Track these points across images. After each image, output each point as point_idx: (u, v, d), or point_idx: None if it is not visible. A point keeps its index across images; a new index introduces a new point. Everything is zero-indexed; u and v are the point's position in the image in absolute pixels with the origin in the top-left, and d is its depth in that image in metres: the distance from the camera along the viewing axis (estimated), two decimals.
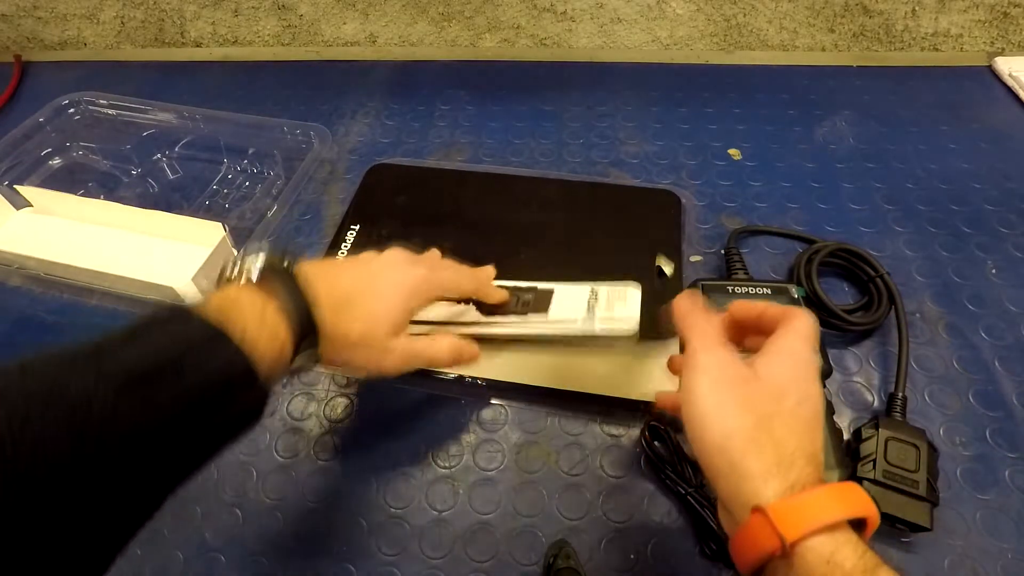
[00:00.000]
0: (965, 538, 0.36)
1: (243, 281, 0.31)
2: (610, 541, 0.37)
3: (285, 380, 0.34)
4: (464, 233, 0.52)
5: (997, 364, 0.43)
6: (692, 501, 0.36)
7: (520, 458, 0.40)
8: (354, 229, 0.52)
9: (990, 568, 0.35)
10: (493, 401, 0.43)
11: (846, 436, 0.39)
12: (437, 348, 0.37)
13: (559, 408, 0.42)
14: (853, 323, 0.44)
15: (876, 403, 0.42)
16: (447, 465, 0.40)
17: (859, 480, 0.36)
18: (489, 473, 0.40)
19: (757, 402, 0.27)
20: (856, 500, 0.25)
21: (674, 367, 0.35)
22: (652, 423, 0.39)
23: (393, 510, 0.39)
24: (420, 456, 0.41)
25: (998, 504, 0.37)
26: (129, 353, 0.24)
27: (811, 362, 0.29)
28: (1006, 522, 0.36)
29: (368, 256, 0.38)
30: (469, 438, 0.41)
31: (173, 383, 0.24)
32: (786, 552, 0.24)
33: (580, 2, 0.70)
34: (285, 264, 0.33)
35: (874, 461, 0.36)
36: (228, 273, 0.32)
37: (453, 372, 0.42)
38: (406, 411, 0.43)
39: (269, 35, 0.75)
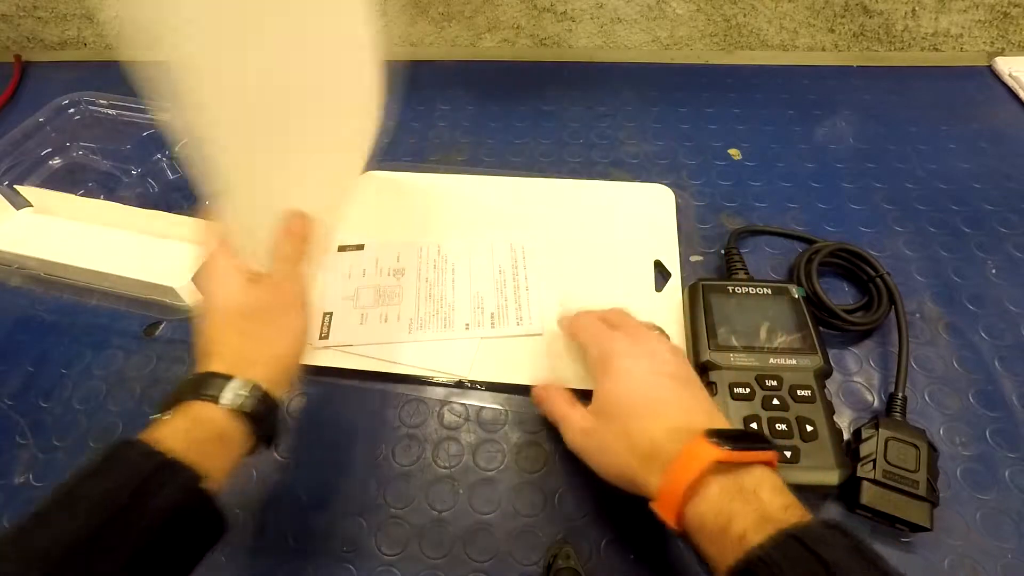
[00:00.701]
0: (965, 538, 0.36)
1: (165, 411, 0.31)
2: (610, 541, 0.37)
3: (272, 445, 0.34)
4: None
5: (997, 364, 0.43)
6: None
7: (520, 458, 0.40)
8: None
9: (990, 568, 0.35)
10: (492, 403, 0.43)
11: (846, 436, 0.39)
12: (284, 245, 0.37)
13: None
14: (853, 323, 0.44)
15: (876, 403, 0.42)
16: (447, 465, 0.40)
17: (859, 480, 0.36)
18: (489, 473, 0.40)
19: (605, 425, 0.34)
20: (694, 456, 0.29)
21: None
22: None
23: (393, 510, 0.39)
24: (420, 456, 0.41)
25: (998, 504, 0.37)
26: (60, 522, 0.24)
27: (620, 367, 0.35)
28: (1006, 522, 0.36)
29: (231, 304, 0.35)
30: (469, 438, 0.41)
31: (109, 550, 0.24)
32: (680, 526, 0.29)
33: (580, 2, 0.70)
34: (177, 390, 0.32)
35: (874, 461, 0.36)
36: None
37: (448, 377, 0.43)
38: (406, 411, 0.43)
39: None
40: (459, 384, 0.43)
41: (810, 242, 0.50)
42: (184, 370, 0.46)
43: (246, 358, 0.33)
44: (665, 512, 0.29)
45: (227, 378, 0.31)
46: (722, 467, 0.28)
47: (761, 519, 0.26)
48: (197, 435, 0.29)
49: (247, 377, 0.32)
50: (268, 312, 0.35)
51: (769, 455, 0.29)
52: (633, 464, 0.31)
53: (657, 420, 0.32)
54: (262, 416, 0.32)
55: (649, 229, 0.51)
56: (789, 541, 0.25)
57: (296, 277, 0.37)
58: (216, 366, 0.32)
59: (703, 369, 0.40)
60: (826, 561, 0.23)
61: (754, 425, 0.38)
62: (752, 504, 0.27)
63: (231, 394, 0.31)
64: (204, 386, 0.31)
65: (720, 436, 0.29)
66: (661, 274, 0.48)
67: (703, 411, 0.33)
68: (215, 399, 0.30)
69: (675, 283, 0.47)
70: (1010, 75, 0.65)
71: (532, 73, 0.71)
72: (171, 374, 0.46)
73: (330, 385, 0.44)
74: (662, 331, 0.41)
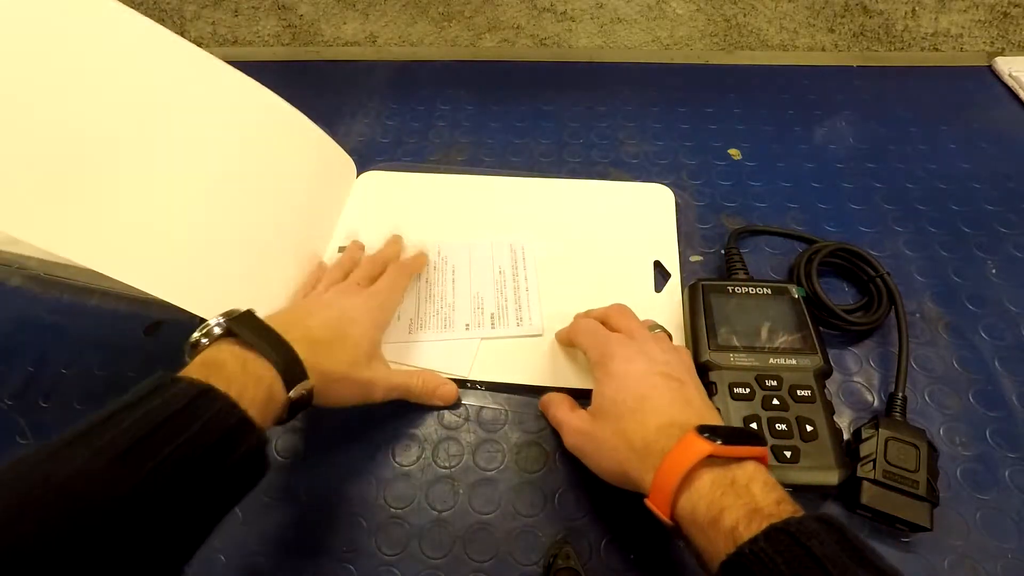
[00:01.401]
0: (965, 538, 0.36)
1: (210, 341, 0.32)
2: (610, 541, 0.37)
3: (284, 422, 0.34)
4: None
5: (997, 364, 0.43)
6: None
7: (520, 458, 0.40)
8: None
9: (990, 568, 0.35)
10: (492, 403, 0.43)
11: (846, 436, 0.39)
12: (415, 380, 0.41)
13: None
14: (853, 323, 0.44)
15: (876, 403, 0.42)
16: (447, 465, 0.40)
17: (859, 480, 0.36)
18: (489, 473, 0.40)
19: (601, 426, 0.35)
20: (686, 451, 0.30)
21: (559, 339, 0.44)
22: None
23: (393, 510, 0.39)
24: (420, 456, 0.41)
25: (998, 504, 0.37)
26: (116, 429, 0.24)
27: (610, 371, 0.36)
28: (1006, 522, 0.36)
29: (323, 299, 0.42)
30: (469, 438, 0.41)
31: (168, 444, 0.25)
32: (673, 521, 0.29)
33: (580, 2, 0.70)
34: (252, 315, 0.34)
35: (874, 461, 0.36)
36: (197, 337, 0.32)
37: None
38: (406, 411, 0.43)
39: (269, 35, 0.75)
40: (459, 384, 0.43)
41: (810, 242, 0.50)
42: None
43: (320, 356, 0.34)
44: (658, 506, 0.30)
45: (303, 373, 0.33)
46: (714, 461, 0.29)
47: (752, 512, 0.26)
48: (255, 394, 0.30)
49: (310, 378, 0.33)
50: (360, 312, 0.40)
51: (760, 451, 0.30)
52: (628, 462, 0.32)
53: (651, 418, 0.33)
54: (298, 407, 0.33)
55: (648, 229, 0.51)
56: (780, 535, 0.25)
57: (391, 293, 0.43)
58: (300, 348, 0.33)
59: (703, 369, 0.40)
60: (817, 556, 0.24)
61: (754, 425, 0.38)
62: (743, 498, 0.27)
63: (297, 391, 0.32)
64: (287, 364, 0.32)
65: (712, 432, 0.29)
66: (661, 274, 0.48)
67: (696, 409, 0.34)
68: (286, 385, 0.31)
69: (675, 283, 0.47)
70: (1010, 75, 0.65)
71: (532, 73, 0.71)
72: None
73: None
74: (664, 329, 0.41)
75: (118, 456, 0.23)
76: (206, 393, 0.27)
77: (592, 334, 0.39)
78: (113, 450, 0.23)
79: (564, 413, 0.38)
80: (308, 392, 0.33)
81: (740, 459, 0.29)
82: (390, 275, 0.44)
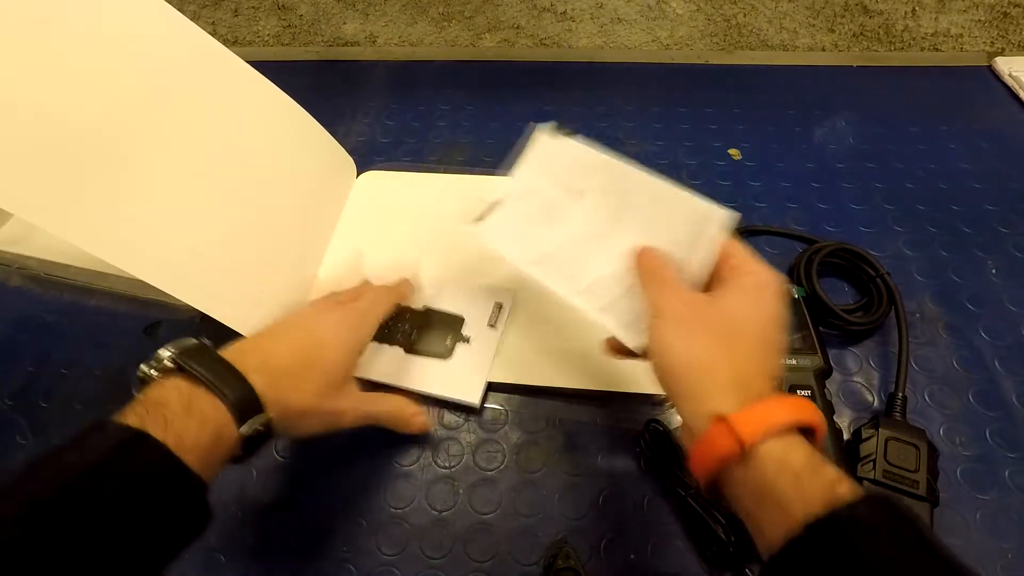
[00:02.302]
0: (965, 538, 0.36)
1: (160, 374, 0.30)
2: (610, 541, 0.37)
3: (243, 461, 0.31)
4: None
5: (997, 364, 0.43)
6: (692, 503, 0.36)
7: (520, 458, 0.40)
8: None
9: (990, 568, 0.35)
10: (492, 403, 0.43)
11: (846, 436, 0.39)
12: (387, 408, 0.39)
13: (559, 407, 0.42)
14: (853, 323, 0.44)
15: (876, 403, 0.42)
16: (447, 465, 0.40)
17: (859, 480, 0.36)
18: (489, 473, 0.40)
19: (716, 326, 0.30)
20: (805, 408, 0.27)
21: (611, 348, 0.37)
22: (652, 425, 0.39)
23: (393, 510, 0.39)
24: (420, 456, 0.41)
25: (998, 504, 0.37)
26: (30, 486, 0.23)
27: (770, 303, 0.31)
28: (1006, 522, 0.36)
29: (296, 315, 0.37)
30: (469, 438, 0.41)
31: (92, 495, 0.23)
32: (744, 453, 0.26)
33: (580, 2, 0.71)
34: (205, 346, 0.31)
35: (874, 461, 0.36)
36: (144, 370, 0.30)
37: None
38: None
39: (269, 35, 0.75)
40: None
41: (810, 242, 0.50)
42: None
43: (283, 387, 0.32)
44: (726, 436, 0.26)
45: (258, 407, 0.30)
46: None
47: (852, 481, 0.25)
48: (199, 437, 0.28)
49: (268, 412, 0.31)
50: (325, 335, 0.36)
51: (807, 419, 0.28)
52: (720, 376, 0.28)
53: (763, 358, 0.30)
54: (255, 443, 0.31)
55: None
56: (885, 504, 0.23)
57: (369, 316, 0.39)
58: (257, 379, 0.31)
59: None
60: (924, 536, 0.22)
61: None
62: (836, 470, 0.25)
63: (249, 427, 0.30)
64: (239, 400, 0.29)
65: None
66: None
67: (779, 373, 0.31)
68: (238, 420, 0.29)
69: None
70: (1010, 75, 0.65)
71: (532, 73, 0.71)
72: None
73: None
74: None
75: (26, 519, 0.22)
76: (137, 439, 0.25)
77: (744, 253, 0.34)
78: (21, 513, 0.22)
79: (667, 282, 0.33)
80: (264, 427, 0.31)
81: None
82: (372, 294, 0.41)
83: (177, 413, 0.27)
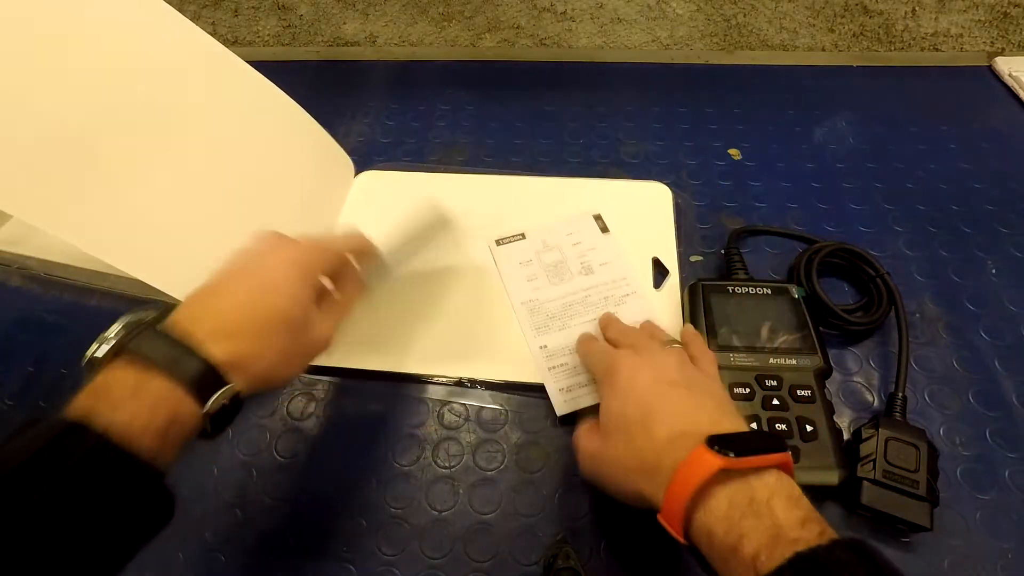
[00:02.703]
0: (965, 538, 0.36)
1: (109, 357, 0.28)
2: (610, 541, 0.37)
3: (214, 437, 0.30)
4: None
5: (997, 364, 0.43)
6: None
7: (520, 458, 0.40)
8: None
9: (990, 568, 0.35)
10: (492, 403, 0.43)
11: (846, 436, 0.39)
12: (348, 301, 0.37)
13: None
14: (853, 323, 0.44)
15: (876, 403, 0.42)
16: (447, 465, 0.40)
17: (859, 480, 0.36)
18: (489, 473, 0.40)
19: (618, 448, 0.32)
20: (699, 461, 0.28)
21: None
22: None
23: (393, 510, 0.39)
24: (420, 456, 0.41)
25: (998, 504, 0.37)
26: None
27: (613, 386, 0.34)
28: (1006, 522, 0.36)
29: (240, 259, 0.33)
30: (469, 438, 0.41)
31: (20, 498, 0.22)
32: (727, 467, 0.26)
33: (580, 2, 0.71)
34: (154, 319, 0.29)
35: (874, 461, 0.36)
36: (90, 353, 0.29)
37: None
38: (406, 411, 0.43)
39: (269, 35, 0.75)
40: (459, 384, 0.43)
41: (810, 242, 0.50)
42: None
43: (243, 350, 0.29)
44: (671, 525, 0.28)
45: (219, 380, 0.28)
46: (731, 474, 0.27)
47: (775, 538, 0.24)
48: (150, 422, 0.26)
49: (234, 382, 0.29)
50: (305, 321, 0.33)
51: (780, 458, 0.28)
52: (640, 479, 0.30)
53: (659, 429, 0.30)
54: (224, 417, 0.29)
55: (646, 226, 0.51)
56: (807, 567, 0.23)
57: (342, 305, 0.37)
58: (216, 348, 0.28)
59: None
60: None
61: (754, 425, 0.38)
62: (765, 520, 0.25)
63: (215, 403, 0.28)
64: (196, 376, 0.27)
65: (724, 442, 0.27)
66: (659, 271, 0.48)
67: (709, 415, 0.31)
68: (198, 398, 0.27)
69: (673, 280, 0.47)
70: (1010, 75, 0.65)
71: (532, 73, 0.71)
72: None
73: (331, 385, 0.44)
74: (678, 342, 0.39)
75: None
76: (72, 430, 0.24)
77: (596, 352, 0.39)
78: None
79: (579, 436, 0.35)
80: (232, 400, 0.29)
81: (759, 468, 0.27)
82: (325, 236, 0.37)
83: (124, 398, 0.26)
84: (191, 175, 0.41)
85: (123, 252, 0.36)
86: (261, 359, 0.30)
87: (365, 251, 0.39)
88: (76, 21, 0.37)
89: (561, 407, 0.41)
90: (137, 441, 0.25)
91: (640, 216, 0.52)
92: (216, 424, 0.29)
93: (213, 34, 0.44)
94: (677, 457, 0.28)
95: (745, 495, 0.26)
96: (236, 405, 0.30)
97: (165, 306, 0.31)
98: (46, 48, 0.35)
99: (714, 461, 0.27)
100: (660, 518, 0.28)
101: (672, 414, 0.31)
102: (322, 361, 0.44)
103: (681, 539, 0.27)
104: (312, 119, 0.52)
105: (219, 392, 0.28)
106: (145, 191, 0.38)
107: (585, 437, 0.35)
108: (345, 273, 0.38)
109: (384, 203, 0.55)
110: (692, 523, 0.27)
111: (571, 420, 0.41)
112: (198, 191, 0.42)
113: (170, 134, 0.40)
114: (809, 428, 0.37)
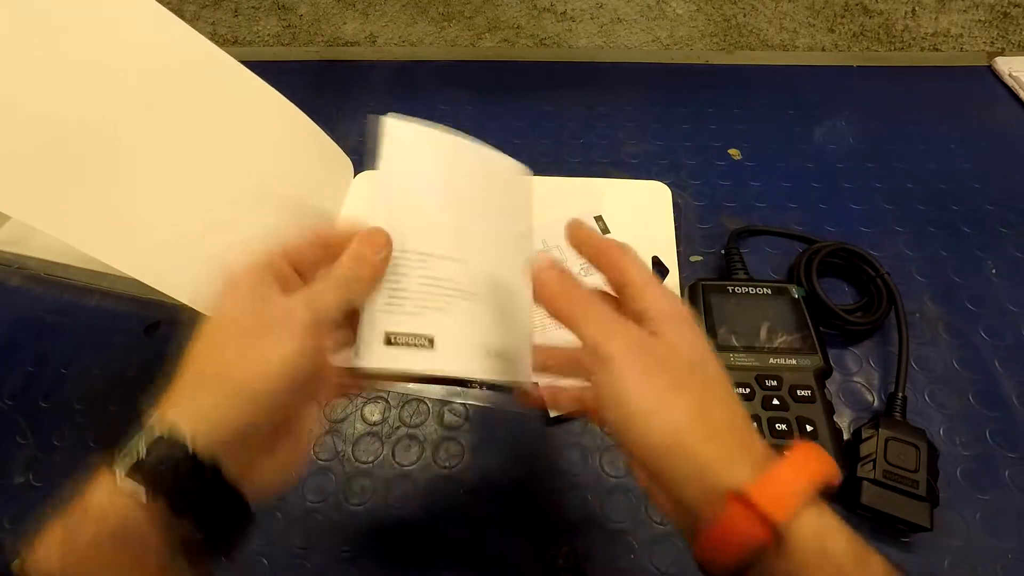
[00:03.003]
0: (965, 538, 0.36)
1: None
2: (610, 541, 0.37)
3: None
4: None
5: (997, 364, 0.43)
6: None
7: (520, 458, 0.40)
8: None
9: (990, 568, 0.35)
10: (492, 403, 0.43)
11: (846, 436, 0.39)
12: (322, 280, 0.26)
13: None
14: (853, 323, 0.44)
15: (876, 403, 0.42)
16: (447, 465, 0.40)
17: (859, 480, 0.36)
18: (489, 473, 0.40)
19: (688, 382, 0.23)
20: (821, 460, 0.23)
21: (549, 363, 0.30)
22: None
23: (393, 510, 0.39)
24: (420, 456, 0.41)
25: (998, 504, 0.37)
26: None
27: (701, 335, 0.25)
28: (1006, 522, 0.36)
29: (219, 335, 0.24)
30: (469, 438, 0.41)
31: None
32: (779, 537, 0.20)
33: (580, 2, 0.71)
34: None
35: (874, 461, 0.36)
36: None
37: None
38: (406, 411, 0.43)
39: (269, 35, 0.75)
40: (460, 384, 0.43)
41: (810, 242, 0.50)
42: None
43: (188, 386, 0.23)
44: (750, 519, 0.21)
45: (142, 427, 0.21)
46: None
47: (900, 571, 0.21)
48: (77, 542, 0.20)
49: (169, 418, 0.22)
50: (255, 324, 0.24)
51: (829, 475, 0.22)
52: (722, 438, 0.23)
53: (736, 398, 0.24)
54: (174, 478, 0.20)
55: (646, 225, 0.52)
56: None
57: (334, 298, 0.25)
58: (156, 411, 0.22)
59: None
60: None
61: (754, 425, 0.38)
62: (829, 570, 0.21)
63: (134, 450, 0.21)
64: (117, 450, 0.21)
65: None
66: (659, 270, 0.48)
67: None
68: (110, 466, 0.21)
69: (673, 279, 0.47)
70: (1010, 75, 0.65)
71: (532, 73, 0.71)
72: (170, 375, 0.45)
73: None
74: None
75: None
76: None
77: (635, 262, 0.27)
78: None
79: (612, 322, 0.25)
80: (174, 440, 0.21)
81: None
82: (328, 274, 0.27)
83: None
84: (188, 176, 0.42)
85: (122, 253, 0.36)
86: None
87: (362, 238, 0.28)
88: (73, 24, 0.37)
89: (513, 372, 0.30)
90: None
91: (640, 216, 0.52)
92: (178, 502, 0.21)
93: (213, 34, 0.44)
94: (766, 456, 0.23)
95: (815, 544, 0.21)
96: (186, 460, 0.21)
97: None
98: (42, 50, 0.35)
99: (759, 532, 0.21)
100: (754, 503, 0.21)
101: (732, 392, 0.25)
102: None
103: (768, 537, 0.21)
104: (309, 120, 0.52)
105: (135, 439, 0.21)
106: (143, 192, 0.39)
107: (631, 336, 0.24)
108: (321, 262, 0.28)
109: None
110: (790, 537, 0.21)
111: (559, 421, 0.41)
112: (195, 191, 0.42)
113: (167, 136, 0.41)
114: (809, 428, 0.37)
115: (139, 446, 0.21)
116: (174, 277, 0.38)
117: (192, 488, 0.21)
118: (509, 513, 0.38)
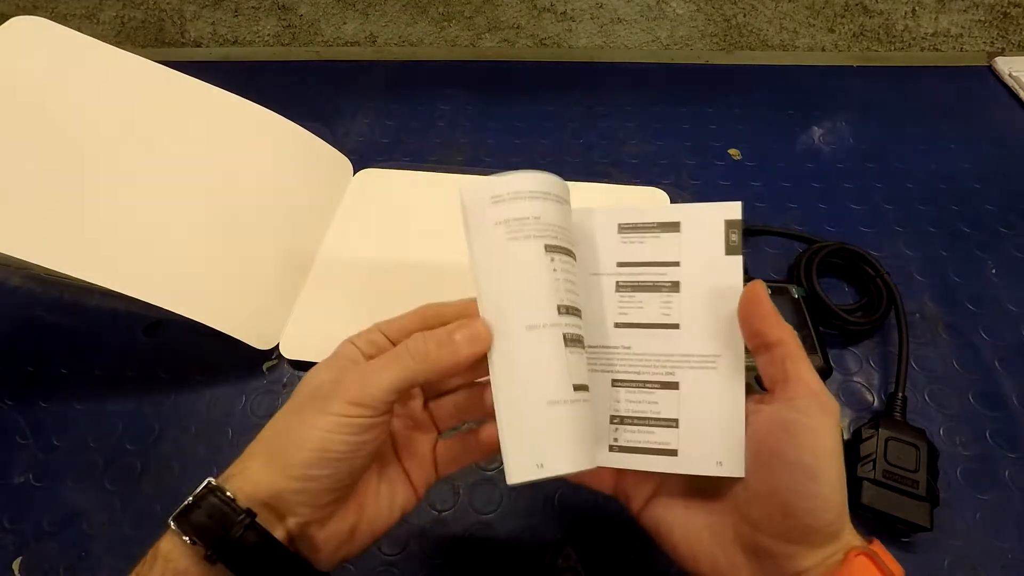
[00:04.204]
0: (965, 538, 0.36)
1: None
2: (610, 541, 0.37)
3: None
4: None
5: (997, 364, 0.43)
6: None
7: None
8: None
9: (990, 568, 0.35)
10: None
11: (846, 436, 0.39)
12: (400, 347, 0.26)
13: None
14: (853, 323, 0.44)
15: (876, 403, 0.42)
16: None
17: (859, 480, 0.36)
18: (489, 473, 0.40)
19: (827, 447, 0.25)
20: (890, 561, 0.25)
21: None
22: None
23: None
24: None
25: (998, 504, 0.37)
26: None
27: (831, 420, 0.26)
28: (1006, 522, 0.36)
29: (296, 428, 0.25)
30: None
31: None
32: None
33: (580, 2, 0.70)
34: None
35: (874, 461, 0.36)
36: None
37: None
38: None
39: (269, 35, 0.75)
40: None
41: (810, 242, 0.50)
42: (182, 372, 0.46)
43: (256, 443, 0.25)
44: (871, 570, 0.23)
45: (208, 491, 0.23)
46: None
47: None
48: None
49: (227, 473, 0.24)
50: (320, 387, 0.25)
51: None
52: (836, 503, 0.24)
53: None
54: (207, 523, 0.22)
55: None
56: None
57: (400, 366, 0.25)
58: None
59: None
60: None
61: None
62: None
63: (189, 499, 0.23)
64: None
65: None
66: None
67: None
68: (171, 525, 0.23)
69: None
70: (1010, 75, 0.65)
71: (532, 73, 0.71)
72: (170, 375, 0.46)
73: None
74: None
75: None
76: None
77: (798, 349, 0.26)
78: None
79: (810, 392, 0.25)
80: (218, 499, 0.23)
81: None
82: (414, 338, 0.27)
83: None
84: (179, 197, 0.45)
85: (118, 274, 0.40)
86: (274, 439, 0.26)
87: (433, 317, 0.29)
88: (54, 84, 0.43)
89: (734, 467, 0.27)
90: None
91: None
92: (224, 554, 0.23)
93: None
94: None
95: None
96: (233, 520, 0.23)
97: None
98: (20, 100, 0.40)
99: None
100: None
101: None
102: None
103: None
104: (296, 125, 0.52)
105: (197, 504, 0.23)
106: (132, 216, 0.42)
107: (834, 437, 0.25)
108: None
109: (382, 201, 0.55)
110: None
111: None
112: (187, 210, 0.45)
113: (160, 168, 0.45)
114: None
115: (193, 495, 0.23)
116: (172, 290, 0.41)
117: (226, 536, 0.22)
118: (509, 513, 0.38)
